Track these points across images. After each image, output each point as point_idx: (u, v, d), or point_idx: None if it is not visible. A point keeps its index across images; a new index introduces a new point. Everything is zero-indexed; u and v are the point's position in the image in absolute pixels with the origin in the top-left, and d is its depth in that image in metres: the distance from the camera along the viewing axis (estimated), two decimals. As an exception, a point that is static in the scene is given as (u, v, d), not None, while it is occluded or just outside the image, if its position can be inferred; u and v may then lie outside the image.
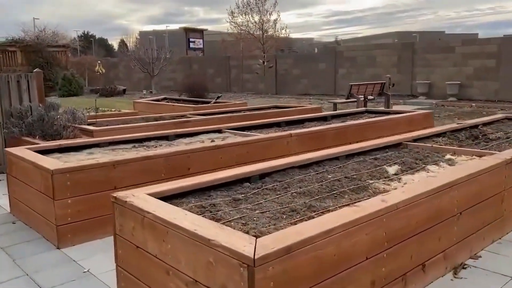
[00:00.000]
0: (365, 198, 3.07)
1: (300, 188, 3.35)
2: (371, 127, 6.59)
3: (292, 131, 5.59)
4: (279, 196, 3.17)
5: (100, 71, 25.64)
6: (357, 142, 6.39)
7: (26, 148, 4.72)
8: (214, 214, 2.76)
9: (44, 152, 4.77)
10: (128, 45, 51.27)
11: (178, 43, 39.82)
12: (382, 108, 9.46)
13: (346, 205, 2.86)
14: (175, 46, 34.85)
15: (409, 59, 17.29)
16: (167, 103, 11.90)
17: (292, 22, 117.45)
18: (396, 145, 4.89)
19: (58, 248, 3.81)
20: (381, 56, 18.22)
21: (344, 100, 11.92)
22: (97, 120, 7.36)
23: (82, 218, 3.89)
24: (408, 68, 17.03)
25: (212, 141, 5.53)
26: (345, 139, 6.24)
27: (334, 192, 3.24)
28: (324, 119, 7.76)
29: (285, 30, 30.95)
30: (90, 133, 6.45)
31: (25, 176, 4.30)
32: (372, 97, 12.21)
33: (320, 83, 20.41)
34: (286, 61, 21.79)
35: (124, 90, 24.45)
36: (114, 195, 2.91)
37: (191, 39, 37.02)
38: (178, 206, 2.91)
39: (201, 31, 38.81)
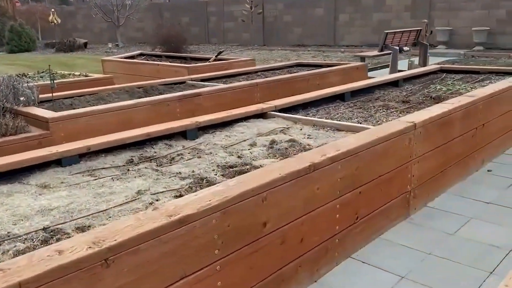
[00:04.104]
0: None
1: None
2: (502, 99, 4.21)
3: (415, 119, 3.13)
4: None
5: (55, 22, 21.96)
6: (483, 125, 4.03)
7: None
8: None
9: None
10: (85, -8, 46.22)
11: (142, -11, 35.61)
12: (460, 66, 7.08)
13: None
14: (139, -8, 30.86)
15: (426, 1, 14.75)
16: (147, 61, 9.10)
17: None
18: None
19: None
20: (391, -2, 15.59)
21: (377, 53, 9.44)
22: (55, 95, 4.64)
23: None
24: (424, 13, 14.50)
25: (271, 145, 3.02)
26: (475, 122, 3.86)
27: None
28: (394, 84, 5.33)
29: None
30: (44, 124, 3.81)
31: None
32: (408, 49, 9.75)
33: (316, 31, 17.62)
34: (276, 5, 18.78)
35: (86, 44, 20.97)
36: None
37: (157, -16, 32.93)
38: None
39: (168, -25, 34.63)
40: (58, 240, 1.76)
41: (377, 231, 2.92)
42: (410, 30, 9.84)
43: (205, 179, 2.36)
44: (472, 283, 2.39)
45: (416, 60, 10.19)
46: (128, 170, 2.60)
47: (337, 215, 2.55)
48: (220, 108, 4.67)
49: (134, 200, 2.13)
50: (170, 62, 9.01)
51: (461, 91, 4.83)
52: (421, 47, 10.06)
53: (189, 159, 2.78)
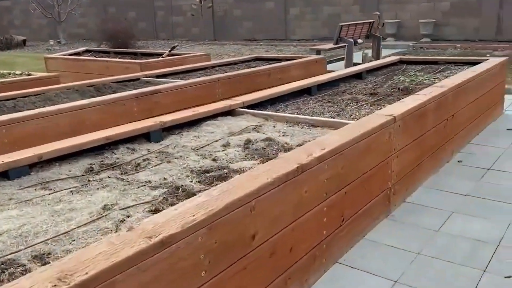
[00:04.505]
0: None
1: None
2: (468, 89, 4.20)
3: (393, 112, 3.00)
4: None
5: (-11, 18, 20.51)
6: (452, 116, 3.99)
7: None
8: None
9: None
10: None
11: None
12: (419, 56, 7.05)
13: None
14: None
15: (374, -6, 14.98)
16: (94, 58, 8.56)
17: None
18: None
19: None
20: (339, -9, 15.67)
21: (332, 46, 9.38)
22: (-6, 97, 4.17)
23: None
24: (372, 6, 14.69)
25: (246, 145, 2.79)
26: (445, 112, 3.80)
27: None
28: (358, 76, 5.24)
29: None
30: (-17, 129, 3.36)
31: None
32: (362, 41, 9.78)
33: (267, 26, 17.46)
34: (225, -1, 18.46)
35: (24, 41, 19.73)
36: None
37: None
38: None
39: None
40: (11, 275, 1.44)
41: (361, 232, 2.77)
42: (363, 23, 9.87)
43: (180, 188, 2.09)
44: (469, 284, 2.28)
45: (369, 52, 10.25)
46: (89, 180, 2.27)
47: (325, 219, 2.36)
48: (180, 105, 4.39)
49: (100, 217, 1.83)
50: (119, 58, 8.54)
51: (425, 81, 4.80)
52: (374, 39, 10.12)
53: (157, 164, 2.49)
